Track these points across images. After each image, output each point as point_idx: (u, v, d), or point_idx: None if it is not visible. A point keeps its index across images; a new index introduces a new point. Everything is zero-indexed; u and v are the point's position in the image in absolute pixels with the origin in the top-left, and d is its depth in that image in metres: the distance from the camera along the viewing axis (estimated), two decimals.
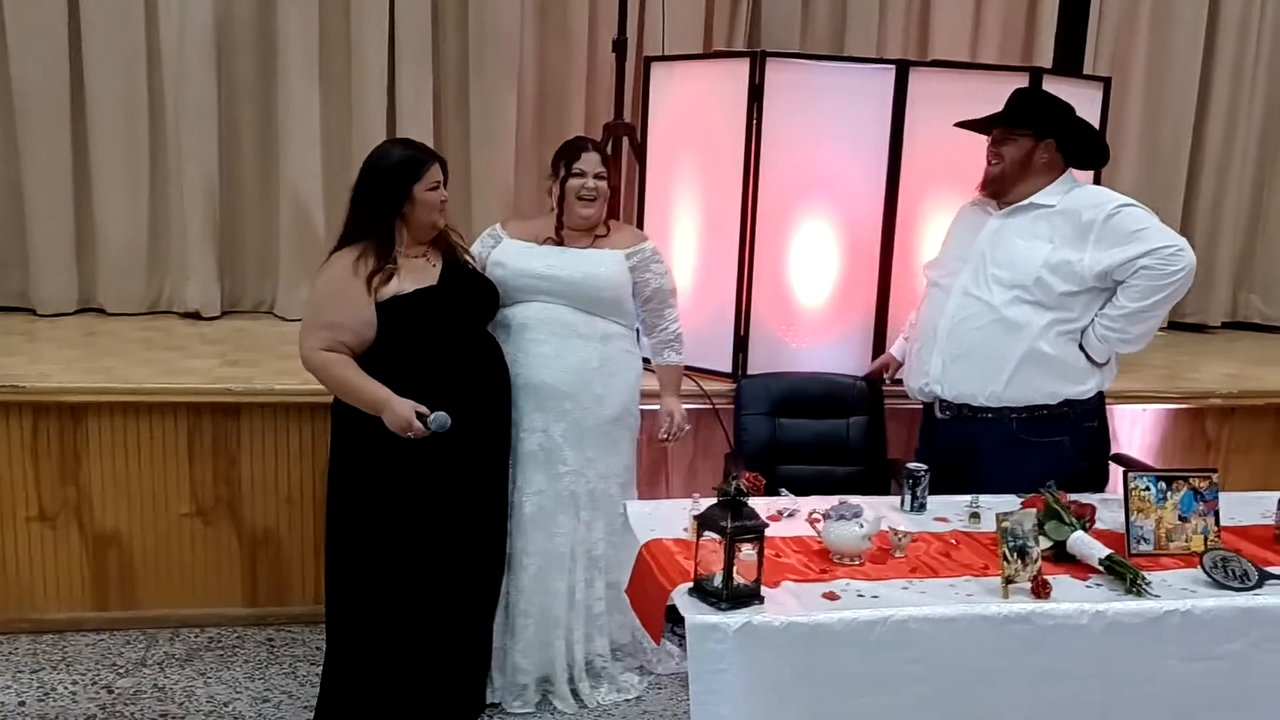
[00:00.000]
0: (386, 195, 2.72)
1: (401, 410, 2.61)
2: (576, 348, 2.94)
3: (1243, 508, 2.69)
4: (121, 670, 3.18)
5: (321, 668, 2.92)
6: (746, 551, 2.07)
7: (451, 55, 4.52)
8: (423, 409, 2.62)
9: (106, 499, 3.32)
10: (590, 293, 2.94)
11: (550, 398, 2.93)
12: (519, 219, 3.17)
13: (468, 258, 2.93)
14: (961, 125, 3.08)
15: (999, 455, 2.87)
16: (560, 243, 2.98)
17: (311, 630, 3.43)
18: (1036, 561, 2.18)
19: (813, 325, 3.65)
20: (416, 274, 2.74)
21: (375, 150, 2.84)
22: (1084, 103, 3.36)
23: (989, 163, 2.97)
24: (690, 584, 2.12)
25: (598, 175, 2.95)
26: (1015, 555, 2.16)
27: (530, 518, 2.97)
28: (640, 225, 3.74)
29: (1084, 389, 2.89)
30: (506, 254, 2.98)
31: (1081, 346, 2.85)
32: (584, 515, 3.00)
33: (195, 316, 4.33)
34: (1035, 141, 2.90)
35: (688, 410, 3.34)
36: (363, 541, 2.78)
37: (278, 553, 3.44)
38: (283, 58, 4.28)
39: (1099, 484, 3.04)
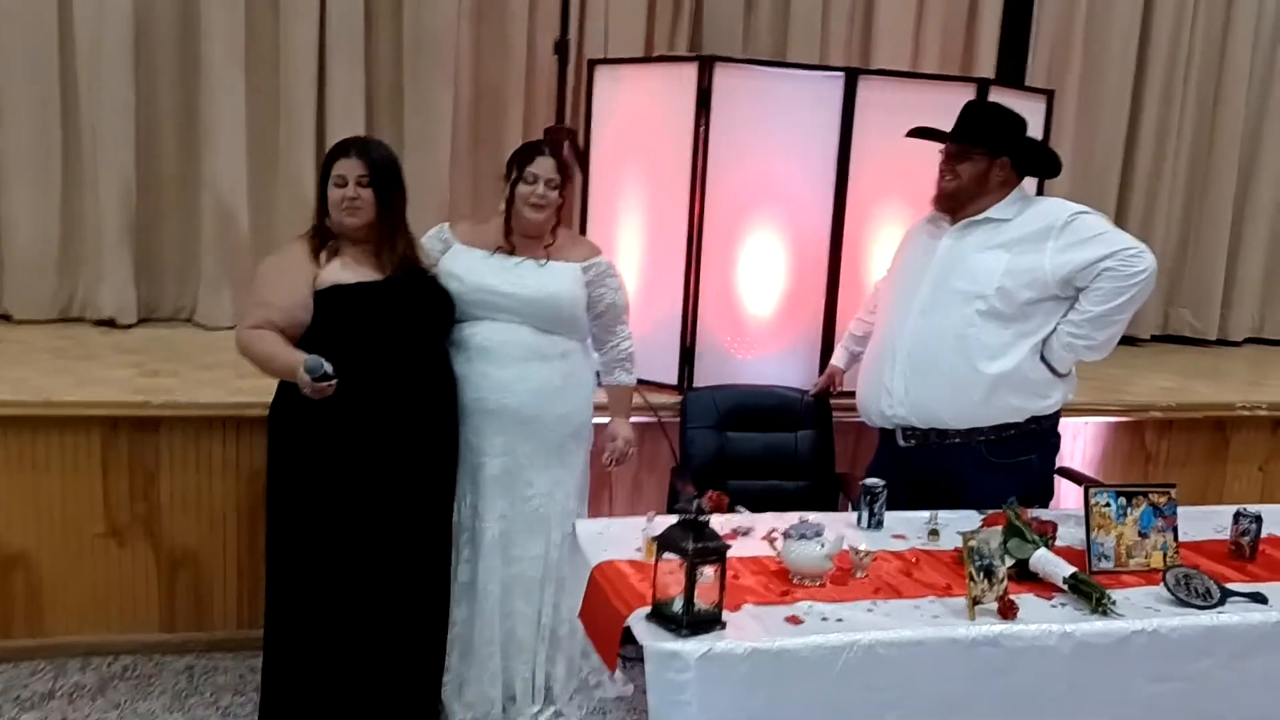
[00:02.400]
0: (319, 188, 2.72)
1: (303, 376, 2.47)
2: (539, 369, 2.81)
3: (1196, 523, 2.68)
4: (27, 703, 2.95)
5: (260, 692, 2.78)
6: (707, 574, 1.97)
7: (385, 54, 4.36)
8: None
9: (13, 518, 3.09)
10: (550, 312, 2.81)
11: (516, 421, 2.80)
12: (469, 222, 3.00)
13: (425, 265, 2.79)
14: (915, 134, 3.02)
15: (970, 481, 2.81)
16: (512, 250, 2.83)
17: (234, 658, 3.24)
18: (1003, 581, 2.12)
19: (760, 336, 3.58)
20: (362, 267, 2.66)
21: None
22: (1027, 115, 3.34)
23: (942, 177, 2.91)
24: (648, 608, 2.02)
25: (549, 182, 2.79)
26: (982, 575, 2.10)
27: (491, 544, 2.83)
28: (583, 233, 3.64)
29: (1049, 403, 2.85)
30: (460, 265, 2.81)
31: (1044, 358, 2.81)
32: (554, 537, 2.87)
33: (109, 324, 4.10)
34: (991, 159, 2.86)
35: (634, 423, 3.24)
36: (302, 557, 2.66)
37: (198, 574, 3.24)
38: (206, 52, 4.09)
39: (1046, 498, 3.01)
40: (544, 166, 2.78)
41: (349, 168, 2.65)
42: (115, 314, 4.10)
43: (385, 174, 2.69)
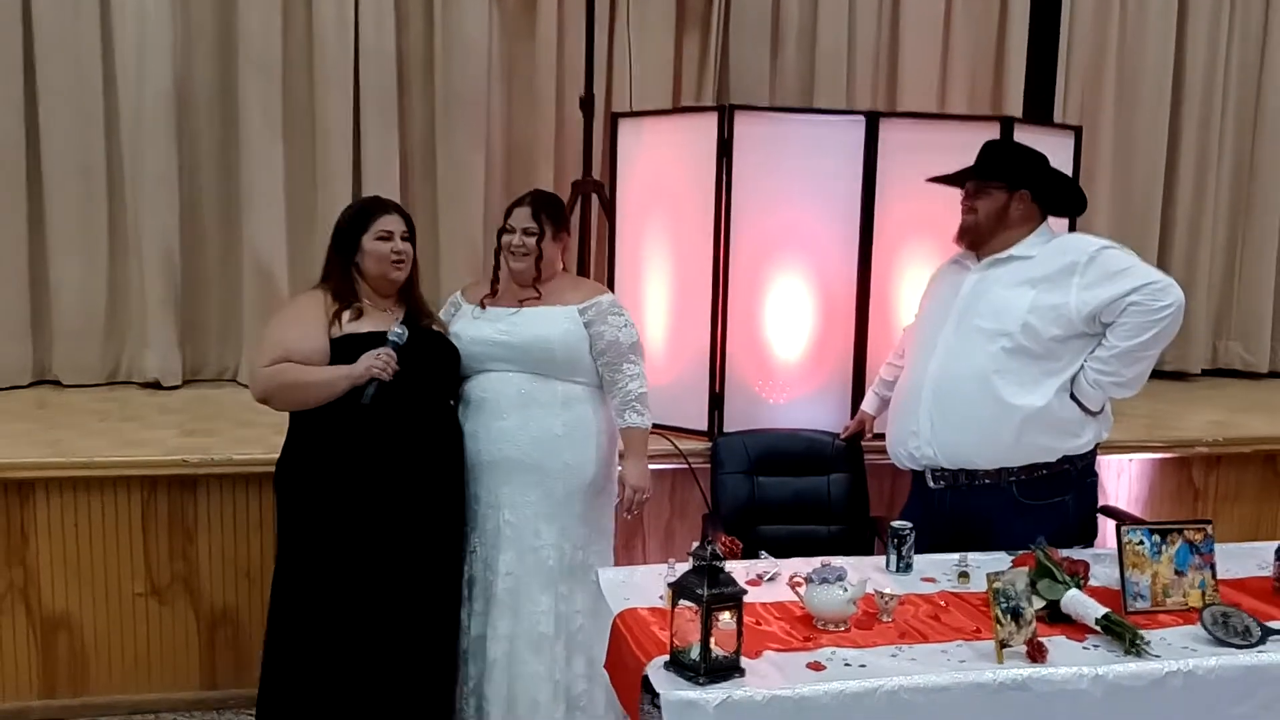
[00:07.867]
0: (341, 245, 2.76)
1: (355, 368, 2.59)
2: (537, 417, 2.81)
3: (1238, 560, 2.60)
4: None
5: None
6: (725, 620, 1.96)
7: (418, 116, 4.47)
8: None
9: (55, 579, 3.16)
10: (542, 355, 2.81)
11: (516, 472, 2.81)
12: (476, 283, 3.06)
13: (435, 324, 2.85)
14: (933, 180, 3.02)
15: (1001, 523, 2.75)
16: (493, 296, 2.89)
17: None
18: (1031, 623, 2.07)
19: (790, 380, 3.56)
20: (377, 319, 2.72)
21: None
22: (1056, 151, 3.31)
23: (964, 213, 2.91)
24: (666, 656, 2.00)
25: (526, 230, 2.84)
26: (1009, 617, 2.05)
27: (501, 598, 2.82)
28: (611, 282, 3.67)
29: (1081, 442, 2.80)
30: (460, 323, 2.90)
31: (1073, 396, 2.76)
32: (562, 589, 2.84)
33: (155, 386, 4.20)
34: (1009, 194, 2.84)
35: (665, 470, 3.23)
36: (306, 613, 2.68)
37: (237, 632, 3.28)
38: (245, 121, 4.21)
39: (1089, 538, 2.95)
40: (520, 217, 2.87)
41: (394, 223, 2.73)
42: (160, 376, 4.19)
43: (414, 230, 2.81)
